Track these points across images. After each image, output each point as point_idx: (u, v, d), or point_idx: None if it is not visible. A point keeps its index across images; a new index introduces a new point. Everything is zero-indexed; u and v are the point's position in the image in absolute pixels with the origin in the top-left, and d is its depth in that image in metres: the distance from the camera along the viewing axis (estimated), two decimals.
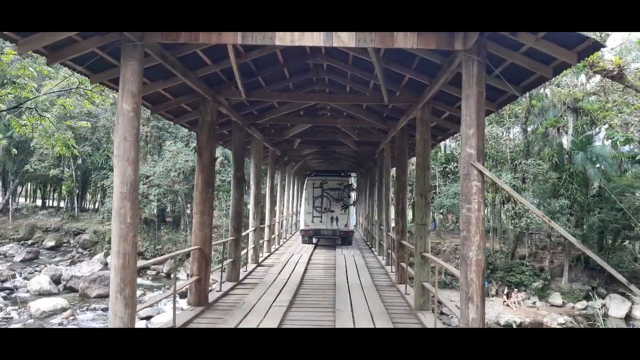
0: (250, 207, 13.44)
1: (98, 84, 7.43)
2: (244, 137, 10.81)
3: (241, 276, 11.26)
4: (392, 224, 13.04)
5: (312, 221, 18.65)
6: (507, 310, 24.69)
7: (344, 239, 18.91)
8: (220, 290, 9.47)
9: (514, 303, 25.17)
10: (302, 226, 19.44)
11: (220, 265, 9.82)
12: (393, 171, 16.14)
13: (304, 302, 9.01)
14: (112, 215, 5.13)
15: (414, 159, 13.80)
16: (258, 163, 13.13)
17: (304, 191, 19.58)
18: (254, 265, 13.22)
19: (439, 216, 33.95)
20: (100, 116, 31.95)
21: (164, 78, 7.21)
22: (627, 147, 33.84)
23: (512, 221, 25.63)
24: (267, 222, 16.41)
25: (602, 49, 10.17)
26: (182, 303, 13.76)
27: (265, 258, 14.91)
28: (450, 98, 8.16)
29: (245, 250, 12.63)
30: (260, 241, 15.19)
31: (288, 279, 11.07)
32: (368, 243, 20.88)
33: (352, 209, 19.85)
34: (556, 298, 26.44)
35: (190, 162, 30.05)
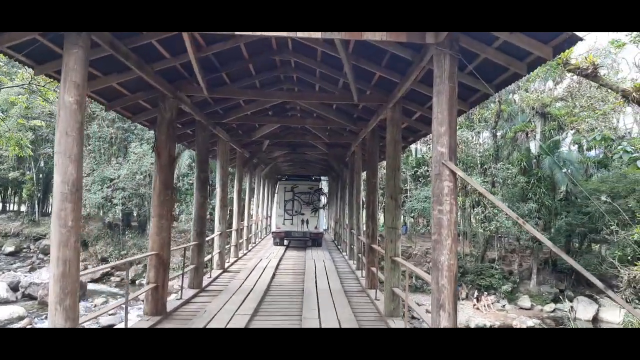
0: (216, 210, 12.94)
1: (49, 79, 6.90)
2: (208, 137, 10.34)
3: (205, 283, 10.76)
4: (364, 228, 12.77)
5: (284, 223, 19.39)
6: (477, 314, 24.77)
7: (314, 240, 19.71)
8: (180, 298, 8.96)
9: (484, 306, 25.27)
10: (273, 228, 20.15)
11: (181, 272, 9.29)
12: (364, 174, 15.89)
13: (269, 309, 8.60)
14: (51, 218, 4.65)
15: (384, 162, 13.56)
16: (224, 164, 12.65)
17: (276, 195, 20.28)
18: (220, 271, 12.71)
19: (410, 220, 33.96)
20: None
21: (118, 71, 6.71)
22: (592, 152, 34.61)
23: (482, 225, 25.73)
24: (234, 225, 15.90)
25: (571, 49, 10.13)
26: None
27: (232, 264, 14.41)
28: (422, 97, 7.91)
29: (210, 256, 12.11)
30: (227, 246, 14.69)
31: (254, 285, 10.63)
32: (339, 247, 20.99)
33: (322, 212, 20.73)
34: (525, 301, 26.67)
35: None
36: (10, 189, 43.85)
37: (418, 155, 33.43)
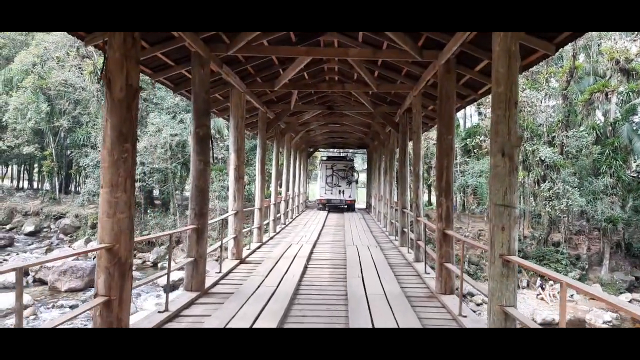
0: (230, 182, 9.91)
1: None
2: (207, 76, 7.14)
3: (212, 280, 7.80)
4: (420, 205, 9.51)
5: (325, 193, 26.09)
6: (542, 305, 21.54)
7: (349, 206, 26.04)
8: (165, 310, 5.95)
9: (549, 296, 21.89)
10: (317, 197, 27.27)
11: (167, 269, 6.26)
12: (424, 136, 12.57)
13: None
14: None
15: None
16: (239, 123, 9.54)
17: (319, 171, 27.34)
18: (236, 262, 9.72)
19: (461, 197, 30.37)
20: (77, 85, 28.34)
21: None
22: None
23: (550, 203, 21.93)
24: (257, 204, 12.86)
25: None
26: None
27: (253, 251, 11.41)
28: None
29: (219, 243, 9.05)
30: (246, 228, 11.69)
31: (278, 285, 7.57)
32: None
33: (354, 185, 26.97)
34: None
35: (179, 135, 26.53)
36: (36, 166, 42.01)
37: (468, 125, 29.55)
